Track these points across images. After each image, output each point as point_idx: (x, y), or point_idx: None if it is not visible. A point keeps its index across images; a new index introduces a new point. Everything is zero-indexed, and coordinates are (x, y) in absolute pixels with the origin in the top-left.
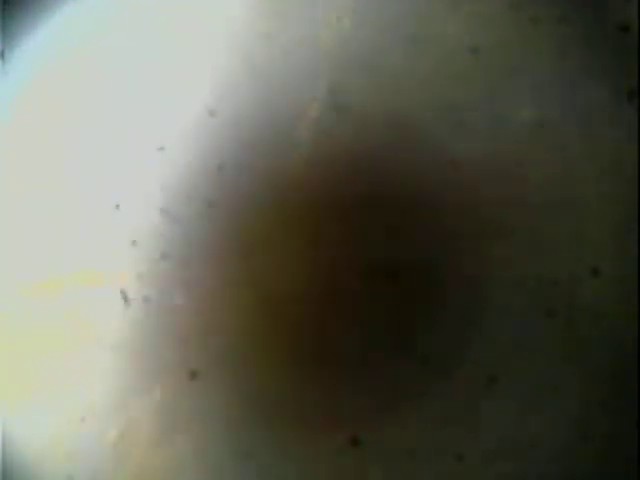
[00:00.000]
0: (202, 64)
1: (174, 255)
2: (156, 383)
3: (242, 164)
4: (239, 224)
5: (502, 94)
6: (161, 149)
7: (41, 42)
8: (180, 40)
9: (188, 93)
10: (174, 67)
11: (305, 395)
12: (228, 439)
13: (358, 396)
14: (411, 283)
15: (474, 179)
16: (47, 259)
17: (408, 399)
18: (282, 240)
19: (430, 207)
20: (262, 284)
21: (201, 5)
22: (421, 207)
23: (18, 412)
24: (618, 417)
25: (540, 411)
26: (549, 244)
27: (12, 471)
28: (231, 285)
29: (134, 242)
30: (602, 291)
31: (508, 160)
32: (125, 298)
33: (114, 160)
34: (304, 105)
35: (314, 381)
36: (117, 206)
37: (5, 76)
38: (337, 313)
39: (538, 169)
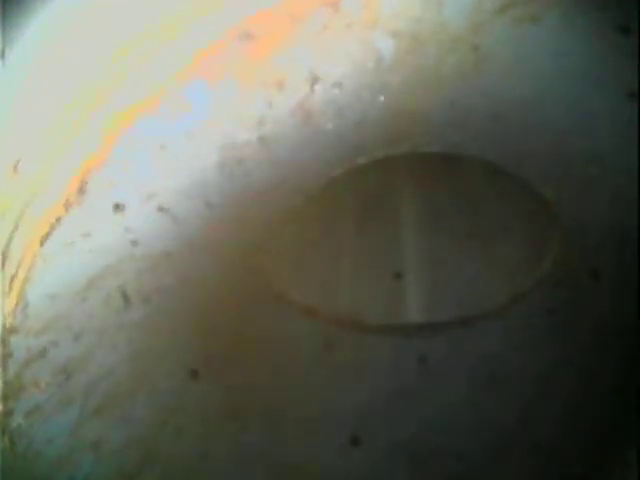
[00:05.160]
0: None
1: (174, 255)
2: (156, 383)
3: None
4: (239, 224)
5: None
6: (163, 147)
7: (41, 40)
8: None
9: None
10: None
11: (306, 395)
12: (228, 438)
13: (359, 395)
14: (411, 284)
15: (474, 179)
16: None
17: (406, 398)
18: (282, 240)
19: (430, 205)
20: (263, 284)
21: None
22: (422, 205)
23: None
24: (618, 417)
25: (540, 411)
26: (549, 244)
27: None
28: (231, 285)
29: (134, 242)
30: (602, 291)
31: (508, 160)
32: (125, 298)
33: (115, 159)
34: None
35: (315, 381)
36: (117, 206)
37: (5, 75)
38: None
39: (538, 169)
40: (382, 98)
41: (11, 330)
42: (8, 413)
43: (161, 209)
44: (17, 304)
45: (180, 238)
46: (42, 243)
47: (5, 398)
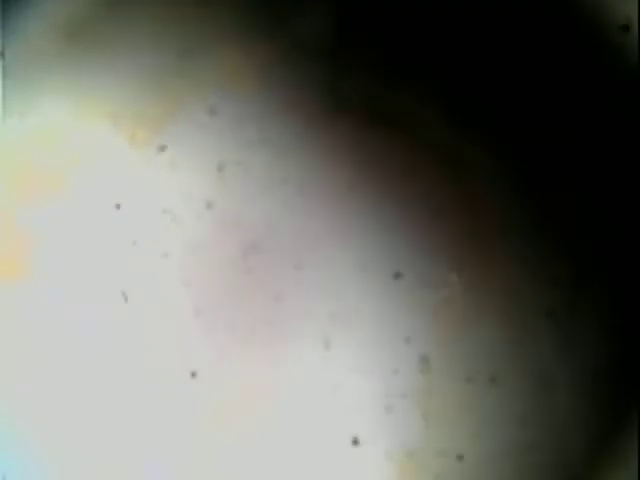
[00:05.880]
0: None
1: (174, 255)
2: (156, 383)
3: (242, 163)
4: (239, 224)
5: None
6: (162, 149)
7: (42, 40)
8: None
9: (189, 92)
10: (174, 63)
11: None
12: (228, 438)
13: (357, 397)
14: (410, 283)
15: (474, 179)
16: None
17: (408, 397)
18: (281, 239)
19: (431, 206)
20: (262, 283)
21: None
22: (422, 206)
23: None
24: (618, 417)
25: (540, 412)
26: (549, 244)
27: None
28: (231, 284)
29: (134, 242)
30: (602, 290)
31: (508, 159)
32: (125, 298)
33: (115, 159)
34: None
35: (313, 383)
36: (117, 206)
37: (5, 76)
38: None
39: (537, 168)
40: None
41: None
42: None
43: (161, 209)
44: None
45: (180, 238)
46: None
47: None
